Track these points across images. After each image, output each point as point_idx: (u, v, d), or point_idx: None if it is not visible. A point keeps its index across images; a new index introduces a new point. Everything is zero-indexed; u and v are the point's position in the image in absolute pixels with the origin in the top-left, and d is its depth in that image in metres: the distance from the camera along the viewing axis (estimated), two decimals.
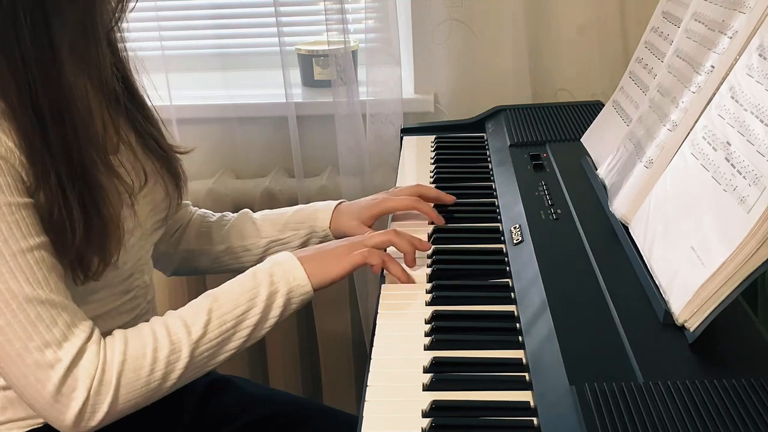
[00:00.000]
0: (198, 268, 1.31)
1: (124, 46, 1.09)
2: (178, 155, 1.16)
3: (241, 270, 1.06)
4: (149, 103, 1.15)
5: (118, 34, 1.07)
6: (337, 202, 1.28)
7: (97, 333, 0.94)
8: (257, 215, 1.29)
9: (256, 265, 1.06)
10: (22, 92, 0.90)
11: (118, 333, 0.96)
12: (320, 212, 1.26)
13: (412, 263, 1.12)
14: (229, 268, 1.29)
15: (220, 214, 1.31)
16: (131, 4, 1.02)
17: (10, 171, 0.89)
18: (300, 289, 1.04)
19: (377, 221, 1.27)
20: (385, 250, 1.11)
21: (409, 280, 1.10)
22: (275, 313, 1.02)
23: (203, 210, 1.32)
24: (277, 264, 1.05)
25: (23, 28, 0.89)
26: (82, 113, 0.95)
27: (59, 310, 0.91)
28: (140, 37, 1.90)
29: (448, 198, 1.29)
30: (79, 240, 0.93)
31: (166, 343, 0.95)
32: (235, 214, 1.30)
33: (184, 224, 1.29)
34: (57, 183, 0.92)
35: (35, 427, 1.02)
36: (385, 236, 1.11)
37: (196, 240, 1.28)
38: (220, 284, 1.05)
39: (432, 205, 1.27)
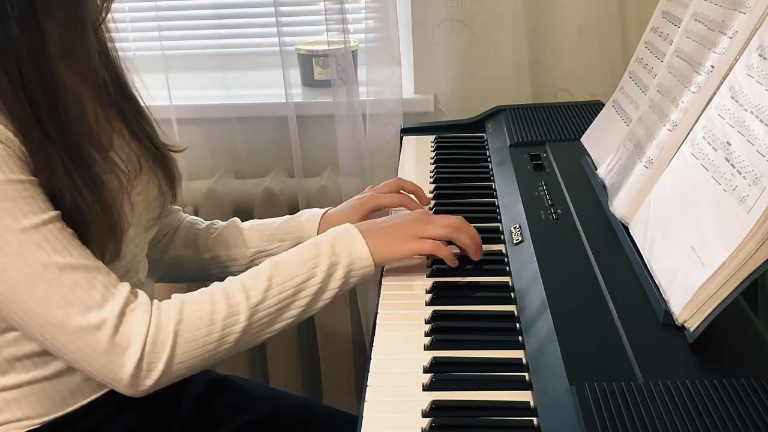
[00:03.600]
0: (184, 275, 1.30)
1: (114, 46, 1.09)
2: (172, 154, 1.17)
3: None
4: (142, 103, 1.15)
5: (107, 34, 1.07)
6: (324, 210, 1.27)
7: (142, 293, 0.94)
8: (245, 225, 1.28)
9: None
10: (15, 86, 0.90)
11: (175, 296, 0.97)
12: (307, 222, 1.25)
13: (476, 256, 1.11)
14: (215, 277, 1.27)
15: (209, 222, 1.30)
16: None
17: (13, 155, 0.89)
18: (361, 262, 1.04)
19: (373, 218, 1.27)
20: None
21: (481, 250, 1.11)
22: (335, 284, 1.02)
23: (193, 217, 1.31)
24: (339, 235, 1.05)
25: (11, 21, 0.89)
26: (75, 107, 0.95)
27: (94, 273, 0.91)
28: (140, 37, 1.91)
29: (424, 199, 1.30)
30: (95, 222, 0.94)
31: (224, 306, 0.96)
32: (224, 223, 1.30)
33: (173, 230, 1.28)
34: (63, 169, 0.92)
35: (33, 427, 1.02)
36: (447, 230, 1.10)
37: (184, 247, 1.27)
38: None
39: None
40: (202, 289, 0.99)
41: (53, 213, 0.91)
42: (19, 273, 0.88)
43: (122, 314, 0.91)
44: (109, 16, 1.04)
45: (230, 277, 1.01)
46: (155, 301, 0.95)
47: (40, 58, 0.91)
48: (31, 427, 1.02)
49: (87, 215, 0.94)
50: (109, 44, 1.09)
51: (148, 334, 0.91)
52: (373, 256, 1.04)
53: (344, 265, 1.03)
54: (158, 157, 1.13)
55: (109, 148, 1.03)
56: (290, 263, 1.01)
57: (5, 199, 0.88)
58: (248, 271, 1.01)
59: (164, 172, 1.14)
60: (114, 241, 0.97)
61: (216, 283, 1.00)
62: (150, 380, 0.92)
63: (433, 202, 1.33)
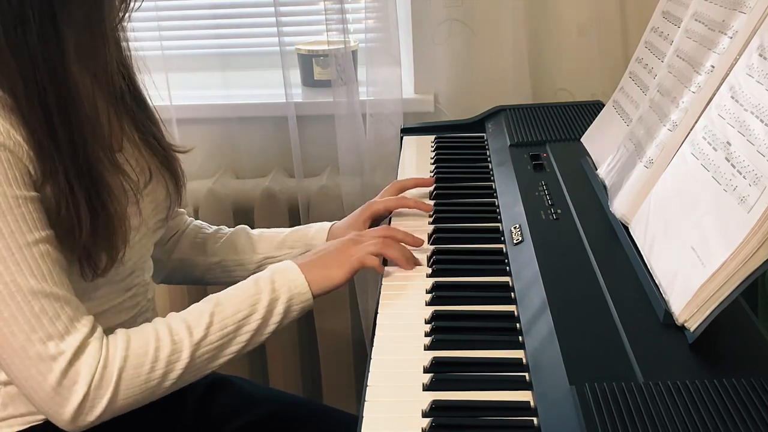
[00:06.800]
0: (188, 278, 1.31)
1: (128, 46, 1.10)
2: (177, 155, 1.17)
3: (231, 284, 1.06)
4: (150, 103, 1.16)
5: (122, 34, 1.07)
6: (331, 223, 1.30)
7: (99, 329, 0.95)
8: (254, 232, 1.30)
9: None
10: (30, 89, 0.91)
11: (120, 331, 0.96)
12: (316, 233, 1.28)
13: (409, 266, 1.13)
14: (219, 281, 1.29)
15: (216, 227, 1.31)
16: (136, 4, 1.03)
17: (18, 164, 0.90)
18: (300, 297, 1.06)
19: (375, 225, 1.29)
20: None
21: (412, 262, 1.13)
22: (275, 319, 1.04)
23: (199, 222, 1.32)
24: (278, 272, 1.07)
25: (31, 25, 0.90)
26: (88, 111, 0.96)
27: (62, 304, 0.91)
28: (140, 37, 1.90)
29: (427, 182, 1.36)
30: (86, 235, 0.94)
31: (168, 342, 0.96)
32: (232, 229, 1.31)
33: (179, 233, 1.29)
34: (65, 179, 0.93)
35: (36, 423, 1.02)
36: (375, 247, 1.12)
37: (190, 250, 1.28)
38: (221, 289, 1.06)
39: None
40: (145, 324, 0.99)
41: (42, 234, 0.91)
42: None
43: (79, 349, 0.91)
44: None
45: (172, 313, 1.01)
46: (104, 337, 0.94)
47: (55, 61, 0.91)
48: (34, 423, 1.02)
49: (80, 228, 0.94)
50: (123, 44, 1.09)
51: (96, 370, 0.91)
52: (311, 288, 1.06)
53: (284, 300, 1.05)
54: (165, 158, 1.14)
55: (118, 151, 1.03)
56: (232, 300, 1.03)
57: None
58: (191, 306, 1.03)
59: (171, 174, 1.14)
60: (111, 251, 0.98)
61: (159, 318, 1.01)
62: (92, 416, 0.92)
63: (433, 202, 1.33)
